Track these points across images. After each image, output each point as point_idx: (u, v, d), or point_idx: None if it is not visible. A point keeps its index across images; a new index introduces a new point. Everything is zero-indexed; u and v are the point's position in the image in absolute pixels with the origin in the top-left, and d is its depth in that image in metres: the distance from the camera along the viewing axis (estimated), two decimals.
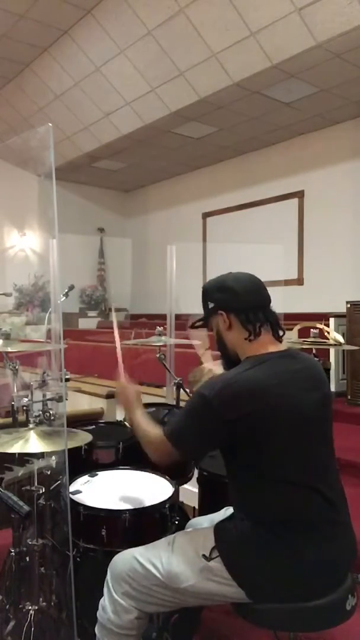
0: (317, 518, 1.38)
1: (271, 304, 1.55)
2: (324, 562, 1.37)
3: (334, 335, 3.25)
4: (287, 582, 1.35)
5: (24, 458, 1.80)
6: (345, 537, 1.44)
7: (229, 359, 1.55)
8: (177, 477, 2.01)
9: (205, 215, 9.10)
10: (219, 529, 1.47)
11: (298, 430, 1.39)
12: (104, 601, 1.52)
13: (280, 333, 1.54)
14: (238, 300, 1.50)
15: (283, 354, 1.49)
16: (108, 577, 1.53)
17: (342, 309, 4.50)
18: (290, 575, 1.35)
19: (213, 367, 1.90)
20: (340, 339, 3.28)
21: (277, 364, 1.44)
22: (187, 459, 1.51)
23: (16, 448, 1.68)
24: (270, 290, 1.56)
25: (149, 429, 1.54)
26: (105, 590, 1.53)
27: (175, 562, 1.45)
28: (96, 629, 1.53)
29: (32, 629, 1.71)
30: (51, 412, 1.98)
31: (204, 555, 1.41)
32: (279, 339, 1.53)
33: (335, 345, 3.15)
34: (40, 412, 1.95)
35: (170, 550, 1.48)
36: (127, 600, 1.47)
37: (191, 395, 2.46)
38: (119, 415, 3.23)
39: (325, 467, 1.45)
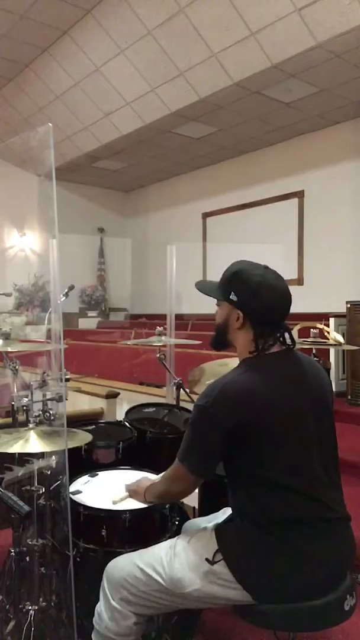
0: (311, 518, 1.38)
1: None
2: (323, 558, 1.36)
3: (334, 335, 3.25)
4: (289, 581, 1.35)
5: (24, 458, 1.80)
6: (342, 534, 1.43)
7: (221, 341, 1.53)
8: None
9: (205, 215, 9.10)
10: (220, 531, 1.46)
11: (291, 434, 1.38)
12: (100, 608, 1.49)
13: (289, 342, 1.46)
14: (262, 314, 1.43)
15: (280, 355, 1.46)
16: (104, 583, 1.50)
17: (342, 309, 4.50)
18: (291, 574, 1.35)
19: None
20: (340, 339, 3.28)
21: (272, 367, 1.43)
22: (205, 475, 1.47)
23: (16, 448, 1.68)
24: None
25: (164, 474, 1.56)
26: (101, 596, 1.50)
27: (178, 566, 1.43)
28: (93, 636, 1.51)
29: (32, 629, 1.71)
30: (51, 412, 1.98)
31: (207, 559, 1.40)
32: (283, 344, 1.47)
33: (335, 345, 3.15)
34: (40, 412, 1.95)
35: (172, 555, 1.46)
36: (125, 606, 1.45)
37: (191, 394, 2.48)
38: (119, 415, 3.23)
39: (322, 466, 1.43)
